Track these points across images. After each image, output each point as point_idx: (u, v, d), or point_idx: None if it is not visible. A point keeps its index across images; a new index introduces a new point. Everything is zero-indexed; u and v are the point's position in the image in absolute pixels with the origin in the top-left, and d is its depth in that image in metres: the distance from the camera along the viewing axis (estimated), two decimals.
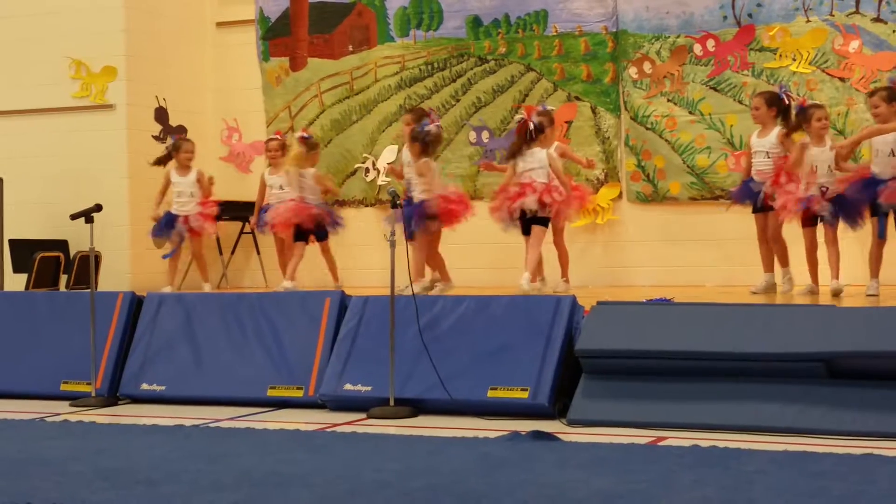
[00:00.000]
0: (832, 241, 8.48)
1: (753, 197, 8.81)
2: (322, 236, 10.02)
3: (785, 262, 8.89)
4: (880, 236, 8.28)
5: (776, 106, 8.79)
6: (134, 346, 8.32)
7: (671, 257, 10.07)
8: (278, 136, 10.50)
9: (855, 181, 8.43)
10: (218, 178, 11.03)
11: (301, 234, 9.92)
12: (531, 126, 8.93)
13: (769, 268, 8.92)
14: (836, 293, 8.23)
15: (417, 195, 9.10)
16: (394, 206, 7.51)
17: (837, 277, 8.41)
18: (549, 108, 9.71)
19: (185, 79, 11.98)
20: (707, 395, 6.49)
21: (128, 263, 11.14)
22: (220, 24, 12.24)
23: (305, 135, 10.17)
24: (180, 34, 11.94)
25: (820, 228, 8.51)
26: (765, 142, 8.79)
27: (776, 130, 8.75)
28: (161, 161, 10.46)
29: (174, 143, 10.62)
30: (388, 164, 10.47)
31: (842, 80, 9.76)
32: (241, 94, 12.06)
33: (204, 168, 10.97)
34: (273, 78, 11.94)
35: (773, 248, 8.89)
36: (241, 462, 5.62)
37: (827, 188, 8.36)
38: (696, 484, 4.89)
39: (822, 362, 6.28)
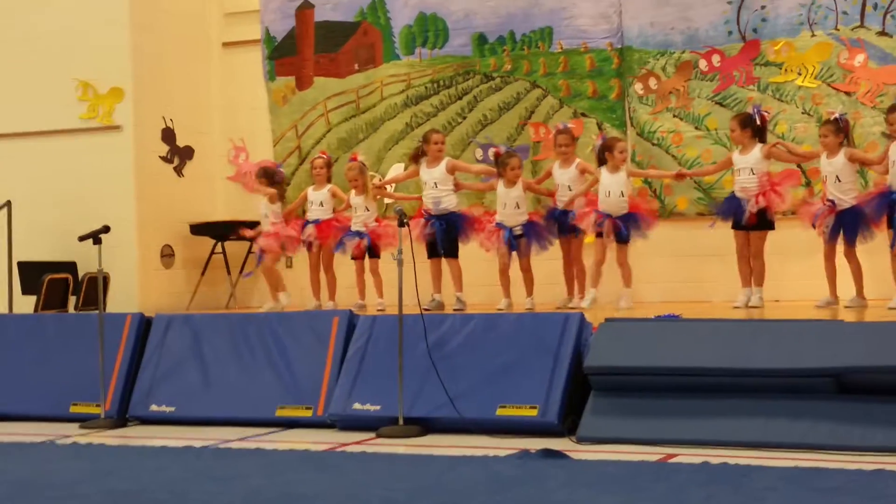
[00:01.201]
0: (849, 257, 8.61)
1: (737, 213, 8.89)
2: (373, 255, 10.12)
3: (761, 282, 8.98)
4: (892, 246, 8.31)
5: (750, 127, 9.00)
6: (143, 367, 8.34)
7: (679, 273, 10.04)
8: (323, 155, 10.57)
9: (873, 195, 8.50)
10: (225, 198, 11.06)
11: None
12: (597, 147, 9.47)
13: (747, 282, 9.02)
14: (827, 306, 8.49)
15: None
16: (401, 224, 7.52)
17: (860, 294, 8.52)
18: (569, 125, 9.80)
19: (192, 99, 12.01)
20: (716, 411, 6.48)
21: (136, 284, 11.14)
22: (226, 45, 12.26)
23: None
24: (186, 55, 11.98)
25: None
26: (748, 158, 8.93)
27: (757, 148, 8.92)
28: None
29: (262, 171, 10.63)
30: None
31: (847, 94, 9.75)
32: (247, 114, 12.08)
33: (210, 188, 11.01)
34: (279, 97, 11.97)
35: (754, 264, 8.98)
36: (251, 483, 5.63)
37: (834, 202, 8.43)
38: (706, 501, 4.88)
39: (831, 377, 6.28)
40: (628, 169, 9.43)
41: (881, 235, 8.62)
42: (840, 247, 8.65)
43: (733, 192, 9.06)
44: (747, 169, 8.91)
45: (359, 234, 10.02)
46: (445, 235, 9.60)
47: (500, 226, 9.46)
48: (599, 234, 9.25)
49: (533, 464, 5.87)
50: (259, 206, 10.49)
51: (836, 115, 8.73)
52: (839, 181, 8.54)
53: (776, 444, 6.14)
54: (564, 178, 9.52)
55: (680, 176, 9.58)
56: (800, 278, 9.02)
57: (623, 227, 9.15)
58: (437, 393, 7.11)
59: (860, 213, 8.46)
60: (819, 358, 6.35)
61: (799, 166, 9.50)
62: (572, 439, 6.64)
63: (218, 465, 6.25)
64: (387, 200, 10.54)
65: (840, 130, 8.70)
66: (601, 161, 9.39)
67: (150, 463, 6.37)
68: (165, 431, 7.67)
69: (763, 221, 8.89)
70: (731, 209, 9.00)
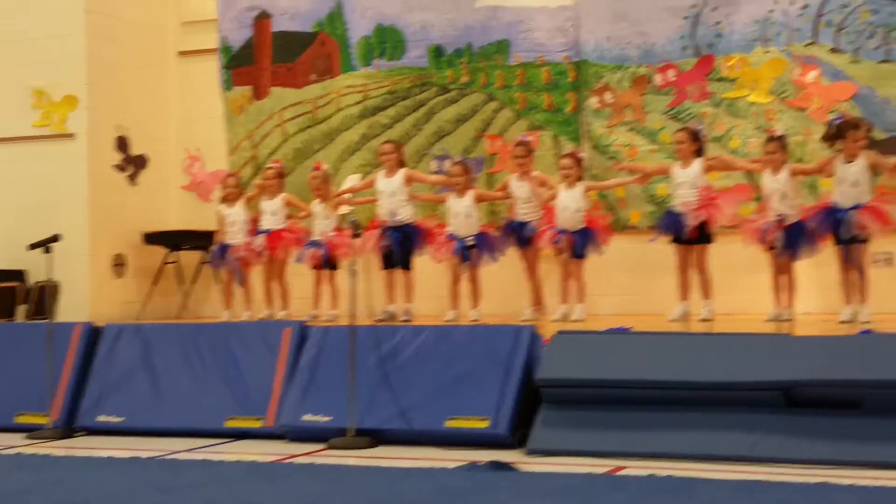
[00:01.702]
0: (787, 271, 8.72)
1: (677, 227, 8.98)
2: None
3: (708, 294, 9.04)
4: (846, 261, 8.39)
5: (698, 141, 9.10)
6: (91, 376, 8.26)
7: (631, 286, 10.08)
8: (275, 165, 10.52)
9: (817, 210, 8.59)
10: (179, 208, 10.99)
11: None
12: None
13: (685, 296, 9.08)
14: (780, 320, 8.53)
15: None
16: (355, 235, 7.50)
17: (791, 306, 8.61)
18: (528, 138, 9.85)
19: (147, 108, 11.93)
20: (666, 423, 6.50)
21: (87, 293, 11.03)
22: (182, 53, 12.20)
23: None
24: (142, 63, 11.90)
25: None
26: (688, 172, 9.00)
27: (697, 162, 8.99)
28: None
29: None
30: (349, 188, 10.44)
31: (800, 109, 9.84)
32: (203, 123, 12.01)
33: (164, 197, 10.94)
34: (235, 107, 11.92)
35: (700, 278, 9.06)
36: (198, 494, 5.58)
37: (783, 217, 8.52)
38: None
39: (779, 391, 6.32)
40: (587, 183, 9.44)
41: (826, 248, 8.71)
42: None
43: (671, 206, 9.13)
44: (688, 183, 8.98)
45: (317, 244, 9.98)
46: (401, 247, 9.60)
47: (451, 237, 9.46)
48: (560, 252, 9.27)
49: (482, 476, 5.86)
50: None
51: (780, 132, 8.87)
52: (785, 197, 8.64)
53: (725, 457, 6.16)
54: (522, 191, 9.53)
55: (646, 177, 9.59)
56: (750, 292, 9.06)
57: (578, 243, 9.18)
58: (388, 404, 7.09)
59: (805, 229, 8.56)
60: (768, 371, 6.39)
61: (751, 180, 9.58)
62: (523, 451, 6.64)
63: (165, 476, 6.19)
64: (342, 210, 10.50)
65: (785, 147, 8.80)
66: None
67: (96, 474, 6.31)
68: (113, 442, 7.59)
69: (703, 235, 8.98)
70: (671, 223, 9.07)
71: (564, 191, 9.32)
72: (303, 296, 10.20)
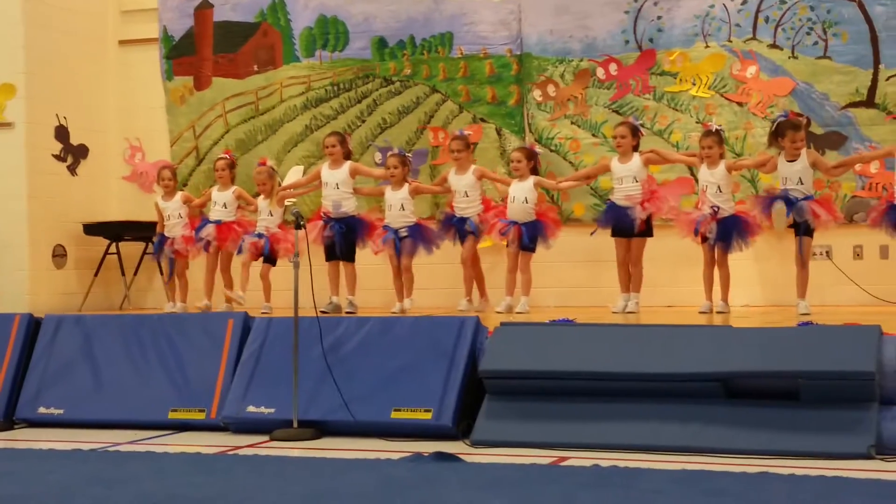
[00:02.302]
0: (721, 263, 8.85)
1: (620, 221, 9.09)
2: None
3: (638, 287, 9.20)
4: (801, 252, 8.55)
5: (637, 135, 9.28)
6: (31, 368, 8.17)
7: (574, 278, 10.15)
8: (227, 156, 10.46)
9: (765, 197, 8.79)
10: (120, 198, 10.89)
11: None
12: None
13: (626, 288, 9.22)
14: (712, 312, 8.69)
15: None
16: (297, 226, 7.49)
17: (726, 299, 8.73)
18: (466, 133, 9.85)
19: (87, 97, 11.81)
20: (608, 415, 6.56)
21: (27, 285, 10.90)
22: (122, 42, 12.08)
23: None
24: (82, 52, 11.77)
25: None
26: (630, 167, 9.15)
27: (636, 156, 9.15)
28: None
29: (157, 171, 10.57)
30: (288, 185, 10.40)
31: (740, 104, 9.96)
32: (144, 113, 11.91)
33: (105, 187, 10.83)
34: (177, 97, 11.83)
35: (633, 270, 9.18)
36: (141, 486, 5.55)
37: (718, 208, 8.65)
38: (596, 503, 4.94)
39: (719, 382, 6.40)
40: (536, 178, 9.49)
41: (764, 244, 8.86)
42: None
43: (612, 200, 9.22)
44: (630, 177, 9.11)
45: (259, 234, 9.97)
46: (344, 239, 9.61)
47: (386, 228, 9.50)
48: (519, 247, 9.31)
49: (426, 467, 5.88)
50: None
51: (717, 126, 9.03)
52: (720, 191, 8.78)
53: (666, 448, 6.23)
54: (460, 185, 9.56)
55: (589, 179, 9.73)
56: (693, 283, 9.17)
57: (527, 235, 9.23)
58: (332, 396, 7.09)
59: (739, 222, 8.72)
60: (708, 363, 6.46)
61: (691, 174, 9.70)
62: (466, 442, 6.67)
63: (106, 468, 6.15)
64: (288, 201, 10.46)
65: (722, 141, 8.94)
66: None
67: (36, 466, 6.24)
68: (54, 434, 7.52)
69: (648, 228, 9.10)
70: (613, 217, 9.17)
71: (515, 183, 9.38)
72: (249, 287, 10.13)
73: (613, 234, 9.18)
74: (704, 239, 8.83)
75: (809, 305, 8.48)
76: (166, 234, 10.30)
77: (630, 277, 9.19)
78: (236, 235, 10.12)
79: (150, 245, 10.97)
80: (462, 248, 9.57)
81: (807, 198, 8.49)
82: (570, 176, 9.91)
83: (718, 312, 8.72)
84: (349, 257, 9.70)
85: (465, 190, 9.52)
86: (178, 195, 10.40)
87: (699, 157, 9.02)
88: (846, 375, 6.14)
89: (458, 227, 9.53)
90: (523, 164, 9.42)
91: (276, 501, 5.13)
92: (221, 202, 10.22)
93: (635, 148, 9.23)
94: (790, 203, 8.50)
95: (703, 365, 6.45)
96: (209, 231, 10.09)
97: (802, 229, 8.51)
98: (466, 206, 9.52)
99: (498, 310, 9.22)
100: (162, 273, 11.17)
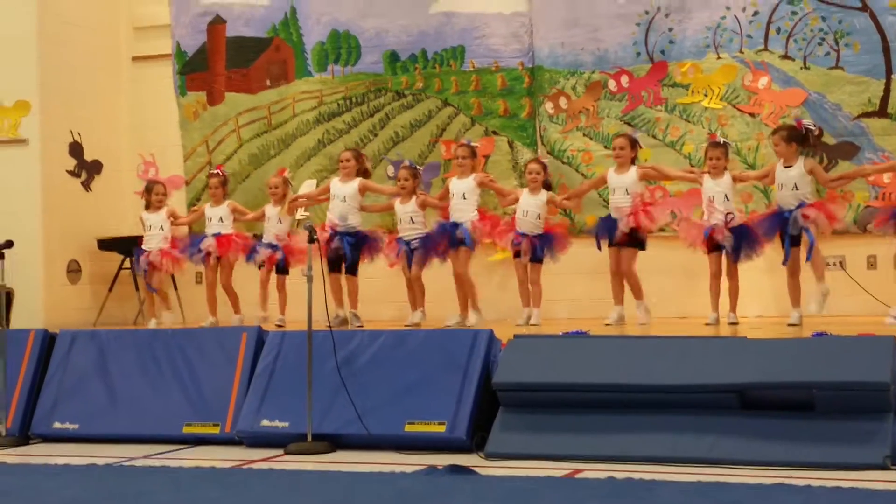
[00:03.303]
0: (731, 274, 8.86)
1: (611, 231, 9.12)
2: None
3: (639, 295, 9.22)
4: (784, 262, 8.51)
5: (636, 148, 9.32)
6: (46, 383, 8.20)
7: (587, 290, 10.14)
8: (219, 171, 10.51)
9: (766, 214, 8.79)
10: (134, 214, 10.94)
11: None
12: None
13: (620, 300, 9.24)
14: (733, 324, 8.65)
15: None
16: (311, 240, 7.51)
17: (734, 310, 8.72)
18: (472, 143, 9.85)
19: (101, 113, 11.86)
20: (623, 427, 6.55)
21: (41, 300, 10.95)
22: (136, 59, 12.14)
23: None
24: (95, 68, 11.83)
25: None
26: (625, 179, 9.16)
27: (633, 170, 9.16)
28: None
29: (146, 184, 10.59)
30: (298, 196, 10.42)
31: (752, 115, 9.96)
32: (157, 129, 11.96)
33: (119, 203, 10.87)
34: (190, 112, 11.88)
35: (628, 281, 9.21)
36: (156, 501, 5.57)
37: (732, 216, 8.65)
38: None
39: (734, 393, 6.38)
40: (550, 194, 9.50)
41: (776, 255, 8.85)
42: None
43: (609, 212, 9.25)
44: (622, 189, 9.14)
45: (271, 245, 9.99)
46: (351, 252, 9.61)
47: (398, 241, 9.52)
48: (517, 255, 9.33)
49: (440, 480, 5.88)
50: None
51: (722, 139, 9.07)
52: (728, 199, 8.79)
53: (681, 459, 6.21)
54: (459, 188, 9.52)
55: (588, 191, 9.77)
56: (705, 295, 9.15)
57: (538, 247, 9.24)
58: (346, 409, 7.09)
59: (747, 231, 8.72)
60: (722, 374, 6.45)
61: None
62: (480, 455, 6.66)
63: (122, 483, 6.16)
64: (299, 215, 10.50)
65: (727, 154, 8.94)
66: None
67: (51, 482, 6.26)
68: (69, 449, 7.53)
69: (634, 240, 9.09)
70: (605, 227, 9.21)
71: (528, 196, 9.38)
72: (253, 301, 10.15)
73: (608, 245, 9.20)
74: (711, 249, 8.82)
75: (801, 316, 8.48)
76: (144, 247, 10.33)
77: (621, 288, 9.18)
78: (237, 247, 10.15)
79: (128, 260, 11.02)
80: (455, 264, 9.51)
81: (800, 205, 8.46)
82: (572, 192, 9.90)
83: (730, 324, 8.70)
84: (353, 271, 9.71)
85: (462, 193, 9.46)
86: (164, 209, 10.42)
87: (701, 172, 9.05)
88: (861, 386, 6.12)
89: (451, 234, 9.47)
90: (541, 177, 9.44)
91: None
92: (217, 217, 10.27)
93: (633, 160, 9.24)
94: (783, 219, 8.48)
95: (718, 376, 6.44)
96: (209, 242, 10.11)
97: (791, 240, 8.49)
98: (461, 210, 9.42)
99: (518, 322, 9.20)
100: (137, 288, 11.23)
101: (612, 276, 9.25)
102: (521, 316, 9.31)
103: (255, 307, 10.03)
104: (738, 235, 8.73)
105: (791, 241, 8.49)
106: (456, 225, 9.42)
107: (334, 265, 9.72)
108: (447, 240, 9.45)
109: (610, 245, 9.19)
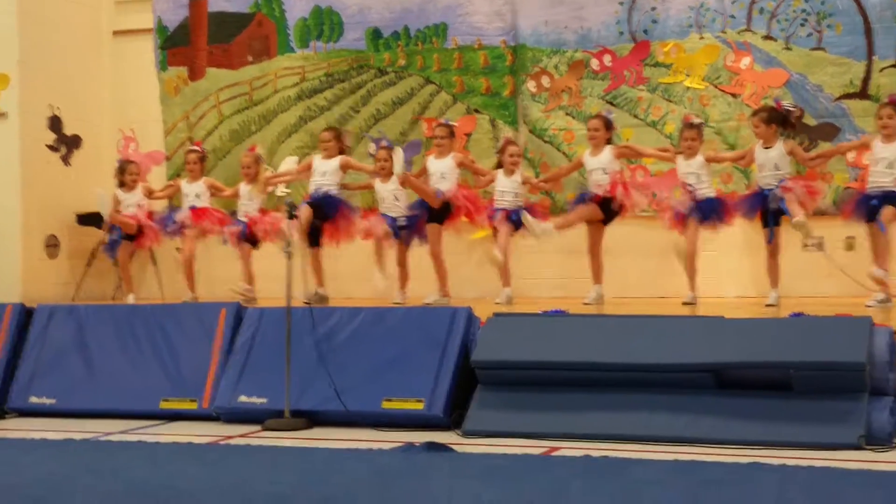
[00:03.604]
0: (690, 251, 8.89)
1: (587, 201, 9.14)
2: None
3: (598, 279, 9.20)
4: (768, 242, 8.53)
5: (611, 129, 9.29)
6: (23, 358, 8.18)
7: (568, 269, 10.14)
8: (197, 147, 10.46)
9: (747, 195, 8.82)
10: (112, 189, 10.88)
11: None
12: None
13: (598, 279, 9.25)
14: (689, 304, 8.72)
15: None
16: (290, 216, 7.49)
17: (693, 289, 8.80)
18: (450, 122, 9.82)
19: (81, 87, 11.79)
20: (600, 405, 6.57)
21: (20, 274, 10.90)
22: (116, 33, 12.06)
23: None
24: (76, 42, 11.75)
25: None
26: (601, 159, 9.16)
27: (608, 149, 9.14)
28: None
29: (119, 164, 10.49)
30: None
31: (733, 95, 9.96)
32: (138, 104, 11.90)
33: (98, 178, 10.82)
34: (171, 88, 11.82)
35: (590, 261, 9.22)
36: (132, 476, 5.54)
37: (693, 189, 8.68)
38: (587, 493, 4.94)
39: (710, 373, 6.40)
40: (522, 174, 9.49)
41: (755, 235, 8.87)
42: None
43: (584, 190, 9.23)
44: (599, 169, 9.13)
45: (238, 221, 10.01)
46: (315, 215, 9.54)
47: (385, 216, 9.46)
48: (496, 231, 9.30)
49: (417, 457, 5.88)
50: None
51: (698, 120, 9.10)
52: (700, 180, 8.84)
53: (657, 438, 6.24)
54: (437, 168, 9.49)
55: (568, 173, 9.75)
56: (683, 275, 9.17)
57: (514, 214, 9.20)
58: (324, 386, 7.09)
59: (717, 202, 8.76)
60: (699, 354, 6.47)
61: None
62: (458, 432, 6.68)
63: (98, 457, 6.14)
64: (279, 191, 10.44)
65: (702, 134, 8.95)
66: (500, 163, 9.48)
67: (27, 456, 6.23)
68: (45, 424, 7.52)
69: (606, 211, 9.08)
70: (583, 198, 9.17)
71: (503, 177, 9.37)
72: (233, 278, 10.13)
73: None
74: (684, 219, 8.85)
75: (779, 297, 8.51)
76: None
77: (599, 268, 9.26)
78: (213, 219, 10.12)
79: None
80: (430, 243, 9.48)
81: (781, 182, 8.49)
82: (548, 175, 9.89)
83: (684, 303, 8.73)
84: (315, 240, 9.66)
85: (441, 172, 9.42)
86: (139, 188, 10.36)
87: (675, 151, 9.07)
88: (837, 366, 6.15)
89: (430, 210, 9.37)
90: (521, 159, 9.48)
91: (268, 491, 5.12)
92: (193, 193, 10.25)
93: (608, 141, 9.23)
94: (763, 198, 8.50)
95: (695, 355, 6.46)
96: (185, 214, 10.07)
97: (773, 219, 8.51)
98: (440, 186, 9.43)
99: (497, 301, 9.19)
100: (116, 263, 11.18)
101: (591, 255, 9.27)
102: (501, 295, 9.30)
103: (230, 283, 9.99)
104: (705, 207, 8.75)
105: (773, 221, 8.50)
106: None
107: (314, 238, 9.68)
108: (425, 216, 9.44)
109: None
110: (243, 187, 10.09)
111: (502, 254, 9.13)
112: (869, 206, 8.23)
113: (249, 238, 9.99)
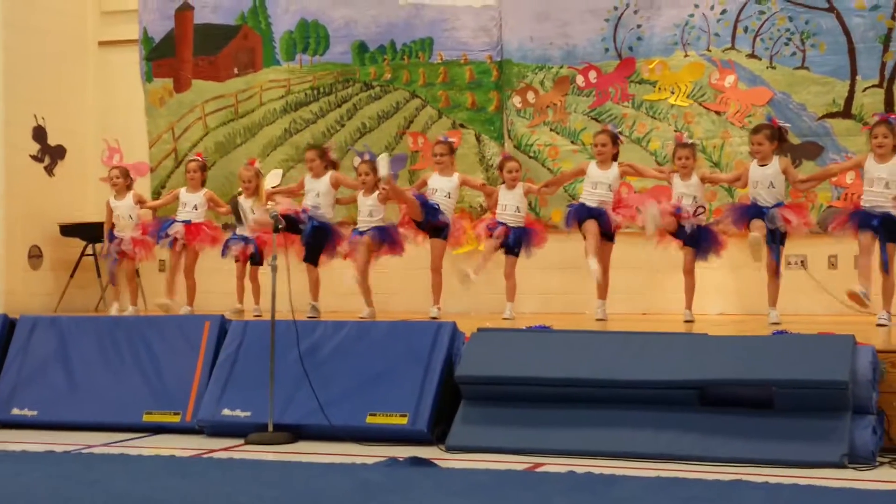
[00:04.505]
0: (688, 271, 8.93)
1: (583, 218, 9.18)
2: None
3: (604, 295, 9.24)
4: (775, 260, 8.58)
5: (617, 144, 9.34)
6: (5, 370, 8.12)
7: (552, 285, 10.17)
8: (198, 158, 10.44)
9: (738, 205, 8.90)
10: (97, 200, 10.86)
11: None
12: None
13: (602, 294, 9.30)
14: (688, 322, 8.74)
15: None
16: (276, 230, 7.49)
17: (690, 307, 8.78)
18: (450, 139, 9.89)
19: (66, 98, 11.77)
20: (584, 421, 6.56)
21: (2, 285, 10.86)
22: (102, 44, 12.06)
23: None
24: (61, 52, 11.74)
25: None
26: (608, 174, 9.22)
27: (615, 166, 9.22)
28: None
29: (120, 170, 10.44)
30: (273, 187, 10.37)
31: (718, 113, 10.02)
32: (123, 115, 11.89)
33: (82, 188, 10.80)
34: (156, 99, 11.81)
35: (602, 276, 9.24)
36: (114, 488, 5.51)
37: (702, 209, 8.77)
38: None
39: (694, 390, 6.41)
40: (525, 186, 9.54)
41: (739, 253, 8.90)
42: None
43: (582, 202, 9.24)
44: (606, 185, 9.19)
45: (244, 238, 9.96)
46: (314, 239, 9.60)
47: (354, 231, 9.55)
48: (502, 247, 9.36)
49: (401, 472, 5.87)
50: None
51: (689, 139, 9.15)
52: (696, 201, 8.85)
53: (641, 455, 6.23)
54: (442, 186, 9.55)
55: (570, 178, 9.80)
56: (673, 291, 9.20)
57: (513, 238, 9.24)
58: (308, 400, 7.07)
59: (709, 233, 8.79)
60: (683, 370, 6.48)
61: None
62: (442, 448, 6.66)
63: (80, 470, 6.11)
64: (268, 205, 10.45)
65: (695, 153, 9.00)
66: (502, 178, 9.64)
67: (8, 468, 6.19)
68: (27, 436, 7.46)
69: (611, 235, 9.16)
70: (586, 215, 9.17)
71: (505, 191, 9.43)
72: (221, 290, 10.14)
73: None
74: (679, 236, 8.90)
75: (780, 315, 8.52)
76: (116, 234, 10.23)
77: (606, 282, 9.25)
78: (205, 236, 10.09)
79: (90, 247, 10.92)
80: (432, 257, 9.55)
81: (777, 204, 8.52)
82: (552, 180, 9.92)
83: (685, 321, 8.75)
84: (314, 260, 9.71)
85: (448, 191, 9.53)
86: (130, 195, 10.31)
87: (670, 171, 9.10)
88: (820, 384, 6.16)
89: (432, 218, 9.48)
90: (520, 174, 9.51)
91: None
92: (192, 204, 10.19)
93: (615, 156, 9.26)
94: (761, 214, 8.53)
95: (679, 373, 6.47)
96: (178, 228, 10.03)
97: (776, 237, 8.53)
98: (444, 208, 9.52)
99: (505, 316, 9.20)
100: (99, 274, 11.16)
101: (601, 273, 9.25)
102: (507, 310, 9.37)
103: (223, 296, 9.99)
104: (702, 236, 8.79)
105: (772, 239, 8.50)
106: (436, 212, 9.43)
107: (310, 255, 9.71)
108: (428, 230, 9.49)
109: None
110: (244, 201, 10.04)
111: (477, 273, 9.19)
112: (869, 224, 8.22)
113: (255, 256, 9.97)
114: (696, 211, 8.80)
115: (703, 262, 8.96)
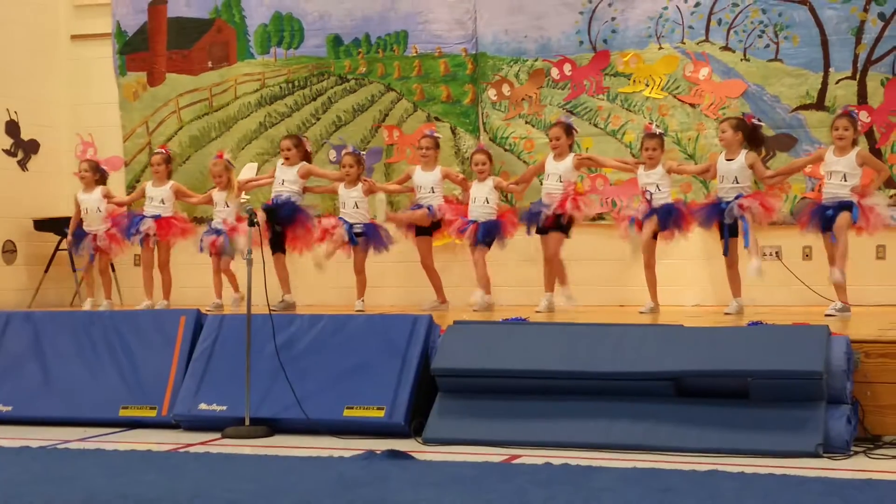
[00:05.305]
0: (648, 264, 8.94)
1: (538, 217, 9.18)
2: None
3: (563, 281, 9.29)
4: (725, 254, 8.59)
5: (572, 135, 9.36)
6: None
7: (529, 277, 10.18)
8: (162, 150, 10.38)
9: (704, 204, 8.86)
10: (71, 194, 10.80)
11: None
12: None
13: (550, 288, 9.29)
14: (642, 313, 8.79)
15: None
16: (251, 223, 7.47)
17: (654, 298, 8.81)
18: (435, 133, 9.90)
19: (38, 92, 11.71)
20: (560, 413, 6.58)
21: None
22: (75, 37, 11.99)
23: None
24: (33, 46, 11.67)
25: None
26: (560, 166, 9.25)
27: (570, 157, 9.23)
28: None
29: (90, 165, 10.37)
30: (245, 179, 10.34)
31: (692, 105, 10.05)
32: (96, 109, 11.83)
33: (56, 183, 10.73)
34: (130, 93, 11.76)
35: (552, 267, 9.29)
36: (90, 484, 5.50)
37: (651, 195, 8.75)
38: (547, 501, 4.95)
39: (670, 381, 6.44)
40: (496, 179, 9.55)
41: (714, 243, 8.93)
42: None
43: (540, 198, 9.28)
44: (556, 175, 9.22)
45: (216, 231, 9.92)
46: (276, 217, 9.58)
47: (342, 219, 9.54)
48: (475, 243, 9.38)
49: (378, 465, 5.88)
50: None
51: (659, 130, 9.14)
52: (659, 190, 8.87)
53: (617, 446, 6.26)
54: (427, 181, 9.58)
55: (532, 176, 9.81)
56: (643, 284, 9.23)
57: (482, 231, 9.27)
58: (285, 393, 7.07)
59: (674, 209, 8.81)
60: (659, 362, 6.50)
61: None
62: (419, 440, 6.68)
63: (55, 465, 6.09)
64: (242, 198, 10.42)
65: (664, 144, 9.01)
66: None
67: None
68: (1, 431, 7.40)
69: (559, 226, 9.14)
70: (534, 213, 9.26)
71: (476, 184, 9.45)
72: (197, 284, 10.11)
73: (537, 232, 9.25)
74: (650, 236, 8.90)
75: (742, 304, 8.57)
76: (85, 228, 10.17)
77: (552, 275, 9.27)
78: (176, 230, 10.05)
79: (64, 241, 10.88)
80: (422, 255, 9.61)
81: (737, 197, 8.54)
82: (518, 178, 9.92)
83: (641, 312, 8.78)
84: (280, 247, 9.68)
85: (431, 186, 9.56)
86: (98, 189, 10.25)
87: (637, 162, 9.13)
88: (795, 375, 6.20)
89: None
90: (488, 167, 9.51)
91: (228, 499, 5.10)
92: (159, 198, 10.13)
93: (571, 147, 9.31)
94: (720, 210, 8.55)
95: (654, 364, 6.49)
96: (149, 225, 9.98)
97: (730, 230, 8.57)
98: (431, 202, 9.54)
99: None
100: (74, 269, 11.10)
101: (544, 263, 9.31)
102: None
103: (200, 291, 9.95)
104: (663, 213, 8.80)
105: (729, 232, 8.56)
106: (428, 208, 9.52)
107: (276, 247, 9.70)
108: (415, 228, 9.58)
109: (538, 231, 9.23)
110: (217, 194, 10.00)
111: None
112: (824, 217, 8.31)
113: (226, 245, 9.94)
114: (648, 198, 8.81)
115: (669, 239, 8.96)
